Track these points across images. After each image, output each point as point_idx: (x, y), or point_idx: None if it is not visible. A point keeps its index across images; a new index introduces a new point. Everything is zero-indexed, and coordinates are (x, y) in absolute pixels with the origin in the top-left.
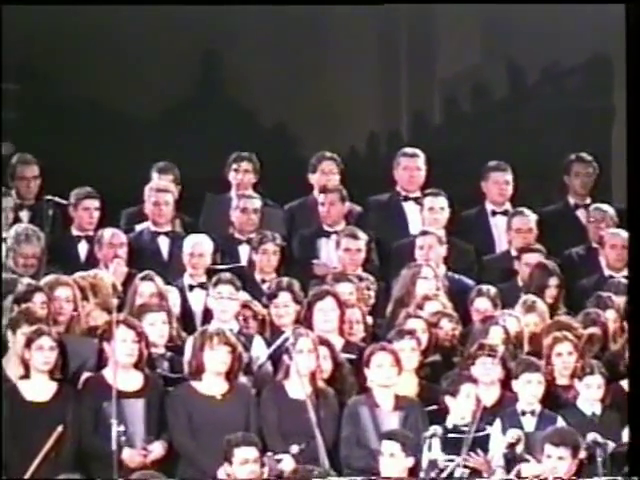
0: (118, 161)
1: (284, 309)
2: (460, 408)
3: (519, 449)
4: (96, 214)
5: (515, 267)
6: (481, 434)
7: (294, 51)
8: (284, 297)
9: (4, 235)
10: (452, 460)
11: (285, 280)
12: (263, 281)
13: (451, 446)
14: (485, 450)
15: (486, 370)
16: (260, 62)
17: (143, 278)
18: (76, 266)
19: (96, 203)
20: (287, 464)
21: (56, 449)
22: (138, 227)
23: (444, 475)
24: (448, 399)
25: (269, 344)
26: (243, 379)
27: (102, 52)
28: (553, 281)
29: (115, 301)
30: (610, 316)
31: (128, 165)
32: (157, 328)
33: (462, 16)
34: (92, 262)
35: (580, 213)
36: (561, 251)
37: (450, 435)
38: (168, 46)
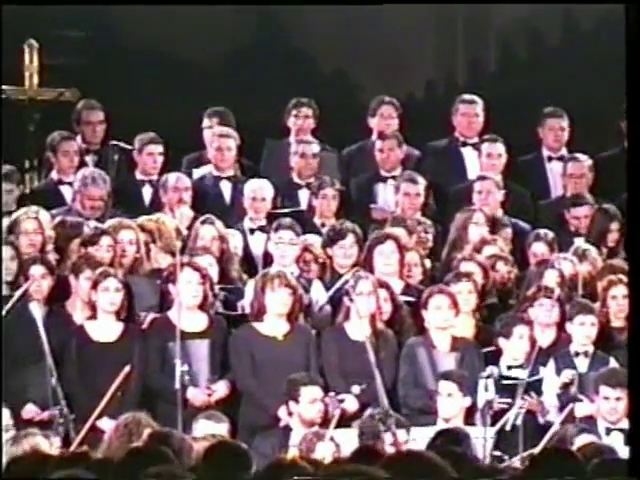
0: (181, 107)
1: (349, 250)
2: (513, 349)
3: (573, 390)
4: (160, 159)
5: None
6: (535, 378)
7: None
8: (349, 239)
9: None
10: (508, 403)
11: (348, 223)
12: (323, 225)
13: (506, 387)
14: (539, 392)
15: (543, 312)
16: (319, 10)
17: (204, 222)
18: (140, 210)
19: (160, 148)
20: (349, 404)
21: (122, 388)
22: (198, 171)
23: (503, 420)
24: (501, 340)
25: (328, 287)
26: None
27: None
28: (615, 225)
29: (178, 244)
30: None
31: (191, 111)
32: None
33: None
34: (156, 206)
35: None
36: (618, 196)
37: (505, 376)
38: None
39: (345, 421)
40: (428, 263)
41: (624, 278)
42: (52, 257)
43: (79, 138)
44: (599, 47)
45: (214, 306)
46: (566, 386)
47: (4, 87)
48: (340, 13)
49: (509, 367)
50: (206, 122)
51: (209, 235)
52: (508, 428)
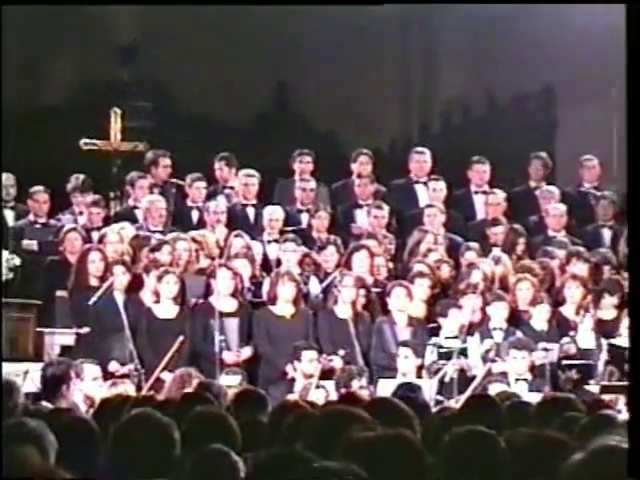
0: (214, 156)
1: (335, 256)
2: (449, 325)
3: (491, 354)
4: (204, 192)
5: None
6: (465, 345)
7: (340, 86)
8: (333, 249)
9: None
10: (445, 363)
11: (334, 237)
12: (318, 238)
13: (444, 352)
14: (467, 356)
15: (471, 299)
16: (318, 83)
17: (235, 236)
18: (190, 227)
19: (203, 183)
20: (336, 362)
21: (178, 351)
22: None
23: (441, 374)
24: (441, 319)
25: (321, 281)
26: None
27: (205, 78)
28: (521, 239)
29: (217, 251)
30: (555, 263)
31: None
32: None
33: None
34: (201, 225)
35: (538, 193)
36: (522, 219)
37: (445, 344)
38: (247, 77)
39: (332, 375)
40: (391, 265)
41: (528, 276)
42: (129, 260)
43: (149, 177)
44: (510, 116)
45: (244, 294)
46: (487, 351)
47: (97, 142)
48: (332, 85)
49: (447, 338)
50: (216, 164)
51: (239, 245)
52: (447, 380)
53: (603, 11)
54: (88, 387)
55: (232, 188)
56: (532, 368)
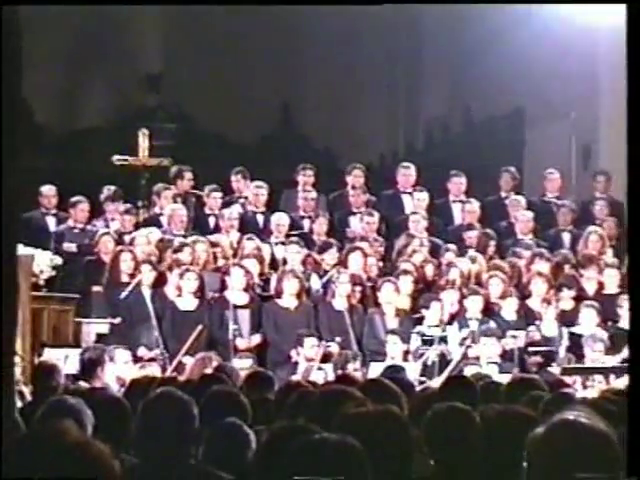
0: (229, 169)
1: (329, 257)
2: (431, 316)
3: (468, 340)
4: (220, 201)
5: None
6: (445, 333)
7: (337, 110)
8: (333, 250)
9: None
10: (428, 348)
11: (332, 240)
12: (319, 241)
13: (427, 339)
14: (446, 342)
15: (450, 294)
16: (316, 112)
17: (248, 239)
18: (208, 231)
19: (219, 194)
20: (334, 348)
21: (198, 338)
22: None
23: (423, 358)
24: (424, 311)
25: (321, 277)
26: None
27: (221, 102)
28: (492, 242)
29: (231, 252)
30: (522, 262)
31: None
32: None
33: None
34: (217, 230)
35: (507, 202)
36: (493, 224)
37: (428, 333)
38: (256, 102)
39: (330, 358)
40: (381, 264)
41: (499, 273)
42: (155, 259)
43: (173, 188)
44: (484, 136)
45: (254, 289)
46: (463, 339)
47: (127, 158)
48: (330, 109)
49: (429, 327)
50: (233, 177)
51: (250, 247)
52: (429, 363)
53: (573, 42)
54: (120, 369)
55: (246, 198)
56: (502, 353)
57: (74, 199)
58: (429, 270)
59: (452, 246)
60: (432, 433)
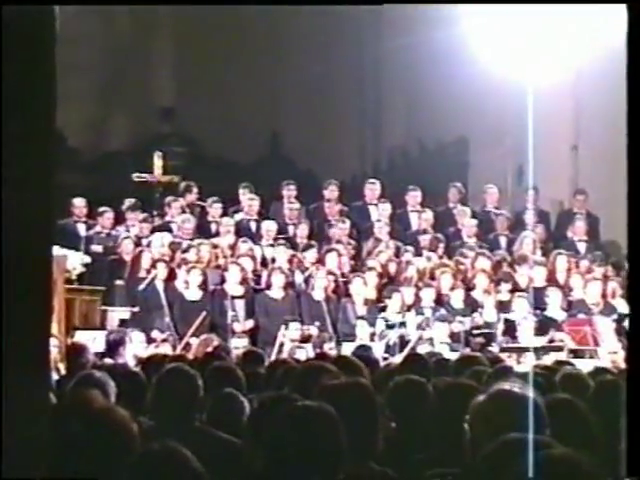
0: (229, 184)
1: (312, 255)
2: (393, 305)
3: (423, 325)
4: (220, 210)
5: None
6: (404, 319)
7: (316, 137)
8: (311, 251)
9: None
10: (390, 331)
11: (312, 242)
12: (300, 243)
13: (389, 324)
14: (406, 326)
15: (408, 287)
16: (299, 139)
17: (242, 241)
18: (210, 235)
19: (220, 205)
20: (313, 331)
21: (202, 323)
22: (237, 216)
23: (386, 339)
24: (387, 300)
25: (303, 273)
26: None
27: (223, 131)
28: (442, 245)
29: (229, 252)
30: (467, 261)
31: (235, 188)
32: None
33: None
34: (218, 234)
35: (455, 211)
36: (443, 230)
37: (390, 318)
38: (249, 130)
39: (310, 339)
40: (352, 262)
41: (448, 270)
42: (167, 259)
43: (181, 200)
44: (435, 158)
45: (248, 283)
46: (419, 323)
47: (145, 175)
48: (311, 136)
49: (391, 313)
50: (240, 190)
51: (245, 248)
52: (391, 344)
53: (513, 76)
54: (138, 348)
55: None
56: (451, 335)
57: (101, 209)
58: (392, 267)
59: (410, 248)
60: (393, 401)
